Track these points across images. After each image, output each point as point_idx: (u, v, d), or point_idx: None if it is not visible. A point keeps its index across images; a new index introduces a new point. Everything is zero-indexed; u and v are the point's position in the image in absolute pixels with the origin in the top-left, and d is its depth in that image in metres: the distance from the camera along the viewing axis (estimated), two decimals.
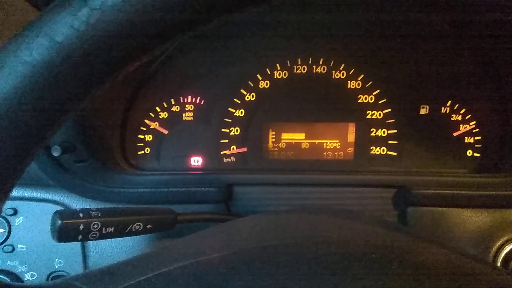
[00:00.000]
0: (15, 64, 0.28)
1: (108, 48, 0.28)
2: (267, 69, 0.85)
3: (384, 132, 0.86)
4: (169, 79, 0.85)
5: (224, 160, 0.88)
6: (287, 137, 0.87)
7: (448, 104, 0.85)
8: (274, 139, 0.87)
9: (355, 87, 0.85)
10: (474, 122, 0.85)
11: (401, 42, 0.83)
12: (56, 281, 0.38)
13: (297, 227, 0.50)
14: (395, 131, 0.86)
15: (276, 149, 0.88)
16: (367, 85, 0.85)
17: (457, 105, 0.85)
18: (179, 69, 0.85)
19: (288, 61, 0.85)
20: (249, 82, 0.86)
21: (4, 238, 0.73)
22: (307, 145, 0.87)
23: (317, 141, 0.87)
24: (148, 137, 0.87)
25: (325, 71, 0.85)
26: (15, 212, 0.74)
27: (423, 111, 0.86)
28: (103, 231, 0.55)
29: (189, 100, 0.86)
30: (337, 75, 0.85)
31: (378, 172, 0.84)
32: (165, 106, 0.86)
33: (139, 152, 0.87)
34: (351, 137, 0.87)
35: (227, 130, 0.87)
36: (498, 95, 0.83)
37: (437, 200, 0.75)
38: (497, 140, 0.85)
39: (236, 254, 0.41)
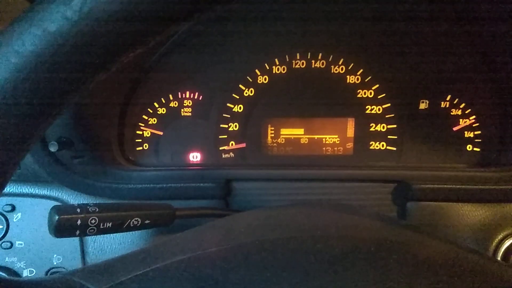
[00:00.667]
0: (8, 54, 0.27)
1: (102, 38, 0.27)
2: (266, 64, 0.85)
3: (383, 127, 0.86)
4: (167, 74, 0.84)
5: (223, 155, 0.87)
6: (286, 132, 0.87)
7: (448, 98, 0.84)
8: (273, 135, 0.87)
9: (354, 82, 0.85)
10: (474, 117, 0.85)
11: (400, 37, 0.82)
12: (54, 276, 0.37)
13: (296, 221, 0.49)
14: (395, 126, 0.86)
15: (275, 144, 0.87)
16: (366, 80, 0.85)
17: (457, 100, 0.84)
18: (177, 65, 0.84)
19: (286, 56, 0.84)
20: (248, 78, 0.85)
21: (2, 234, 0.73)
22: (306, 140, 0.87)
23: (316, 137, 0.87)
24: (147, 133, 0.86)
25: (324, 66, 0.85)
26: (13, 209, 0.74)
27: (422, 105, 0.85)
28: (101, 226, 0.55)
29: (187, 96, 0.86)
30: (336, 70, 0.85)
31: (378, 167, 0.83)
32: (163, 101, 0.85)
33: (138, 148, 0.86)
34: (350, 132, 0.86)
35: (226, 126, 0.86)
36: (498, 90, 0.82)
37: (436, 195, 0.75)
38: (497, 134, 0.84)
39: (233, 248, 0.41)
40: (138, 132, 0.86)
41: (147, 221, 0.59)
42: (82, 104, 0.69)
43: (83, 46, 0.27)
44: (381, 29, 0.82)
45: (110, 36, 0.28)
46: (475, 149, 0.85)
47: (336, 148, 0.87)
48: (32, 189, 0.74)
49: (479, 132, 0.85)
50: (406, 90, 0.84)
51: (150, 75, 0.84)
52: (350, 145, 0.87)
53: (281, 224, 0.48)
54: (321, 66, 0.85)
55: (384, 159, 0.86)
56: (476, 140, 0.85)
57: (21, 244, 0.73)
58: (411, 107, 0.85)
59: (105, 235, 0.58)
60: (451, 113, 0.85)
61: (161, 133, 0.86)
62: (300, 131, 0.87)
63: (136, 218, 0.58)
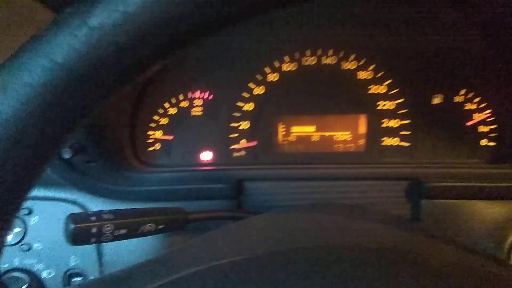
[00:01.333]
0: (16, 86, 0.27)
1: (110, 67, 0.27)
2: (276, 62, 0.84)
3: (396, 123, 0.85)
4: (177, 75, 0.84)
5: (234, 154, 0.87)
6: (297, 130, 0.86)
7: (462, 92, 0.83)
8: (284, 132, 0.87)
9: (366, 77, 0.84)
10: (488, 111, 0.83)
11: (412, 30, 0.80)
12: None
13: (308, 229, 0.50)
14: (408, 121, 0.84)
15: (286, 142, 0.87)
16: (378, 75, 0.83)
17: (471, 94, 0.83)
18: (187, 65, 0.84)
19: (297, 53, 0.84)
20: (258, 76, 0.84)
21: (21, 237, 0.75)
22: (317, 137, 0.86)
23: (327, 134, 0.86)
24: (158, 133, 0.87)
25: (335, 62, 0.84)
26: (30, 212, 0.75)
27: (436, 100, 0.84)
28: (116, 234, 0.56)
29: (198, 96, 0.86)
30: (347, 66, 0.84)
31: (390, 163, 0.83)
32: (174, 102, 0.86)
33: (149, 149, 0.87)
34: (362, 129, 0.86)
35: (237, 125, 0.86)
36: None
37: (450, 193, 0.74)
38: None
39: (246, 260, 0.41)
40: (149, 132, 0.86)
41: (160, 226, 0.60)
42: None
43: (92, 76, 0.27)
44: (393, 23, 0.80)
45: (118, 64, 0.28)
46: (490, 143, 0.84)
47: (347, 145, 0.86)
48: (48, 192, 0.75)
49: (494, 126, 0.83)
50: (419, 84, 0.83)
51: (161, 76, 0.84)
52: (362, 141, 0.86)
53: (293, 233, 0.49)
54: (332, 63, 0.84)
55: (396, 155, 0.86)
56: (491, 135, 0.84)
57: (39, 246, 0.75)
58: (424, 101, 0.84)
59: None
60: (465, 108, 0.83)
61: (172, 133, 0.86)
62: (312, 128, 0.86)
63: (150, 224, 0.59)
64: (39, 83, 0.27)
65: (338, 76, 0.84)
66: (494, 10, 0.71)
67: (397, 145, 0.85)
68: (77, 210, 0.75)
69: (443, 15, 0.77)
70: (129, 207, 0.72)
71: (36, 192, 0.75)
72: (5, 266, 0.74)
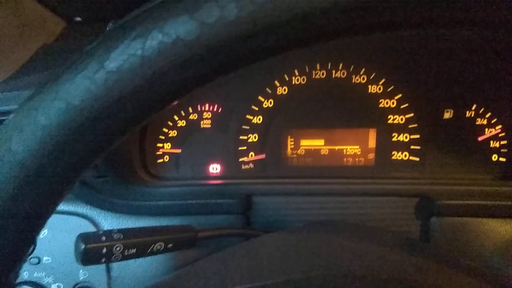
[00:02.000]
0: (33, 127, 0.27)
1: (126, 109, 0.27)
2: (285, 75, 0.84)
3: (406, 137, 0.84)
4: None
5: (243, 167, 0.87)
6: (306, 143, 0.86)
7: (473, 107, 0.82)
8: (292, 146, 0.86)
9: (376, 91, 0.83)
10: (500, 126, 0.82)
11: (423, 45, 0.80)
12: None
13: (318, 254, 0.49)
14: (418, 136, 0.84)
15: (295, 155, 0.87)
16: (388, 90, 0.83)
17: (482, 109, 0.82)
18: None
19: (306, 67, 0.83)
20: (267, 89, 0.84)
21: (30, 250, 0.75)
22: (326, 151, 0.86)
23: (336, 147, 0.86)
24: (167, 146, 0.87)
25: (344, 76, 0.83)
26: None
27: (447, 115, 0.83)
28: (125, 253, 0.56)
29: (207, 108, 0.86)
30: (357, 80, 0.83)
31: (400, 179, 0.82)
32: (183, 114, 0.86)
33: (159, 161, 0.87)
34: (371, 143, 0.85)
35: (245, 137, 0.86)
36: None
37: (461, 210, 0.73)
38: None
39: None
40: (158, 145, 0.86)
41: (170, 245, 0.60)
42: None
43: (108, 118, 0.27)
44: (404, 37, 0.80)
45: (135, 106, 0.28)
46: (501, 159, 0.83)
47: (357, 159, 0.86)
48: (59, 206, 0.75)
49: (505, 142, 0.82)
50: (430, 99, 0.82)
51: None
52: (371, 155, 0.86)
53: (302, 259, 0.48)
54: (342, 76, 0.83)
55: (406, 170, 0.85)
56: (502, 150, 0.83)
57: (48, 259, 0.75)
58: (435, 116, 0.83)
59: None
60: (476, 123, 0.83)
61: (181, 146, 0.86)
62: (321, 141, 0.86)
63: (159, 243, 0.59)
64: (55, 125, 0.27)
65: (348, 90, 0.83)
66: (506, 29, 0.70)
67: (407, 159, 0.85)
68: (86, 224, 0.75)
69: (453, 32, 0.77)
70: (139, 224, 0.73)
71: None
72: None
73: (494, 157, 0.83)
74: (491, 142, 0.83)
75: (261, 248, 0.54)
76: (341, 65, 0.82)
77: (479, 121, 0.82)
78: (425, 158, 0.84)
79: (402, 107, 0.83)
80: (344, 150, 0.86)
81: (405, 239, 0.60)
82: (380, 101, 0.83)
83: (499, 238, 0.73)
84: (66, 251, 0.75)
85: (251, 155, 0.87)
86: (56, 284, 0.75)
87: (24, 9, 0.72)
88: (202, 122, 0.86)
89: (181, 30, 0.25)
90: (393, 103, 0.83)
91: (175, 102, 0.30)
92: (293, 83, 0.84)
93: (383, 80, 0.83)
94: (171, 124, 0.86)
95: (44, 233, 0.75)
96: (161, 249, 0.60)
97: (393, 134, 0.84)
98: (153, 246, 0.59)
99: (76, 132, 0.27)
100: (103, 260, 0.55)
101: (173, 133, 0.86)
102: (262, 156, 0.87)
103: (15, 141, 0.27)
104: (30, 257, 0.75)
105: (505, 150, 0.83)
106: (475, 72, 0.80)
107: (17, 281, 0.75)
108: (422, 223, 0.77)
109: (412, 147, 0.84)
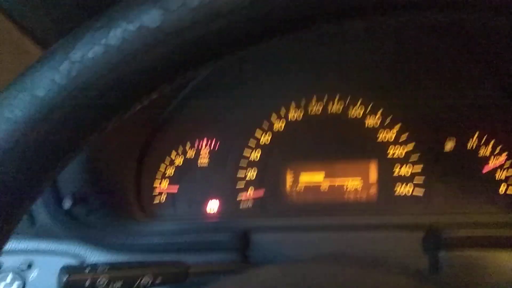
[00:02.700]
0: None
1: (91, 102, 0.27)
2: (282, 110, 0.84)
3: (408, 170, 0.82)
4: (183, 124, 0.85)
5: (241, 205, 0.85)
6: (305, 179, 0.84)
7: (476, 135, 0.80)
8: (291, 182, 0.84)
9: (374, 124, 0.82)
10: (505, 153, 0.79)
11: (421, 73, 0.80)
12: None
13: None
14: (420, 168, 0.81)
15: (294, 192, 0.84)
16: (387, 120, 0.82)
17: (485, 136, 0.80)
18: (193, 114, 0.85)
19: (303, 100, 0.83)
20: (264, 125, 0.84)
21: None
22: (326, 187, 0.84)
23: (337, 184, 0.83)
24: (164, 184, 0.85)
25: (341, 109, 0.83)
26: (30, 265, 0.73)
27: (449, 144, 0.81)
28: (111, 287, 0.53)
29: (204, 144, 0.85)
30: (354, 114, 0.83)
31: (404, 213, 0.78)
32: (181, 151, 0.85)
33: (155, 202, 0.85)
34: (373, 176, 0.83)
35: (243, 175, 0.85)
36: None
37: (470, 242, 0.69)
38: None
39: None
40: (155, 184, 0.85)
41: (158, 280, 0.57)
42: (97, 158, 0.69)
43: (74, 110, 0.27)
44: (400, 66, 0.80)
45: (100, 98, 0.27)
46: (508, 192, 0.79)
47: (358, 195, 0.83)
48: (49, 245, 0.73)
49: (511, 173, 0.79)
50: (430, 128, 0.81)
51: (167, 125, 0.84)
52: (373, 190, 0.83)
53: None
54: (338, 112, 0.83)
55: (410, 204, 0.81)
56: (509, 183, 0.79)
57: None
58: (436, 146, 0.81)
59: None
60: (480, 153, 0.80)
61: (178, 184, 0.85)
62: (321, 174, 0.84)
63: (147, 277, 0.56)
64: (20, 117, 0.27)
65: (345, 124, 0.83)
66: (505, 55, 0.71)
67: (411, 194, 0.81)
68: (77, 263, 0.72)
69: (451, 58, 0.77)
70: (131, 259, 0.70)
71: (36, 245, 0.74)
72: None
73: (501, 190, 0.80)
74: (497, 172, 0.80)
75: (252, 280, 0.51)
76: (337, 96, 0.83)
77: (482, 151, 0.80)
78: (430, 192, 0.81)
79: (402, 137, 0.81)
80: (345, 186, 0.83)
81: (413, 273, 0.56)
82: (379, 133, 0.82)
83: (510, 270, 0.68)
84: None
85: (250, 192, 0.85)
86: None
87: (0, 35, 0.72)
88: (199, 159, 0.85)
89: (144, 18, 0.25)
90: (392, 133, 0.82)
91: (145, 100, 0.29)
92: (290, 118, 0.84)
93: (381, 110, 0.82)
94: (168, 162, 0.85)
95: (33, 275, 0.73)
96: (149, 283, 0.56)
97: (395, 167, 0.82)
98: (141, 280, 0.56)
99: (41, 124, 0.27)
100: None
101: (170, 171, 0.85)
102: (261, 193, 0.85)
103: None
104: None
105: None
106: (475, 98, 0.79)
107: None
108: (430, 258, 0.72)
109: (415, 180, 0.82)
